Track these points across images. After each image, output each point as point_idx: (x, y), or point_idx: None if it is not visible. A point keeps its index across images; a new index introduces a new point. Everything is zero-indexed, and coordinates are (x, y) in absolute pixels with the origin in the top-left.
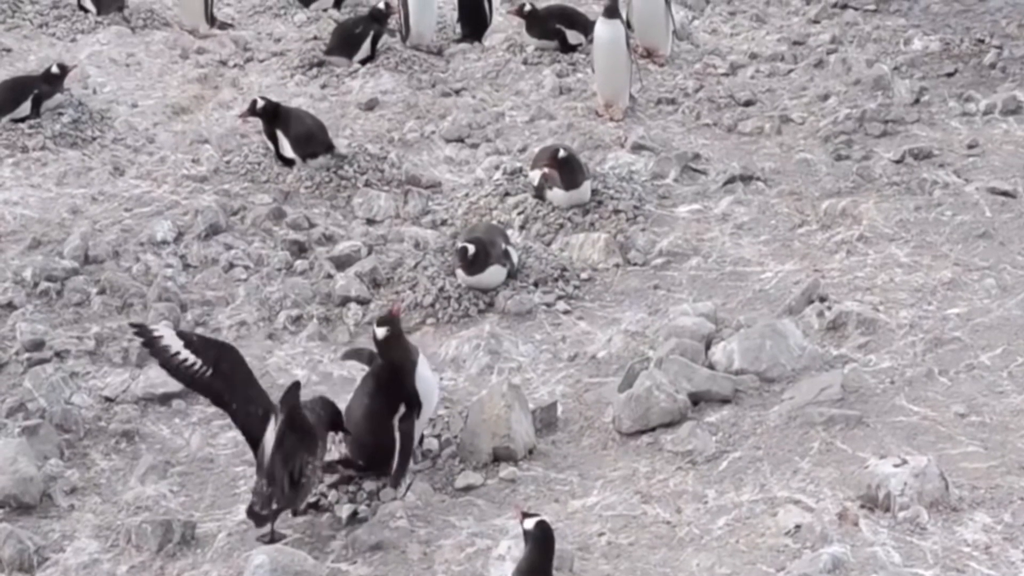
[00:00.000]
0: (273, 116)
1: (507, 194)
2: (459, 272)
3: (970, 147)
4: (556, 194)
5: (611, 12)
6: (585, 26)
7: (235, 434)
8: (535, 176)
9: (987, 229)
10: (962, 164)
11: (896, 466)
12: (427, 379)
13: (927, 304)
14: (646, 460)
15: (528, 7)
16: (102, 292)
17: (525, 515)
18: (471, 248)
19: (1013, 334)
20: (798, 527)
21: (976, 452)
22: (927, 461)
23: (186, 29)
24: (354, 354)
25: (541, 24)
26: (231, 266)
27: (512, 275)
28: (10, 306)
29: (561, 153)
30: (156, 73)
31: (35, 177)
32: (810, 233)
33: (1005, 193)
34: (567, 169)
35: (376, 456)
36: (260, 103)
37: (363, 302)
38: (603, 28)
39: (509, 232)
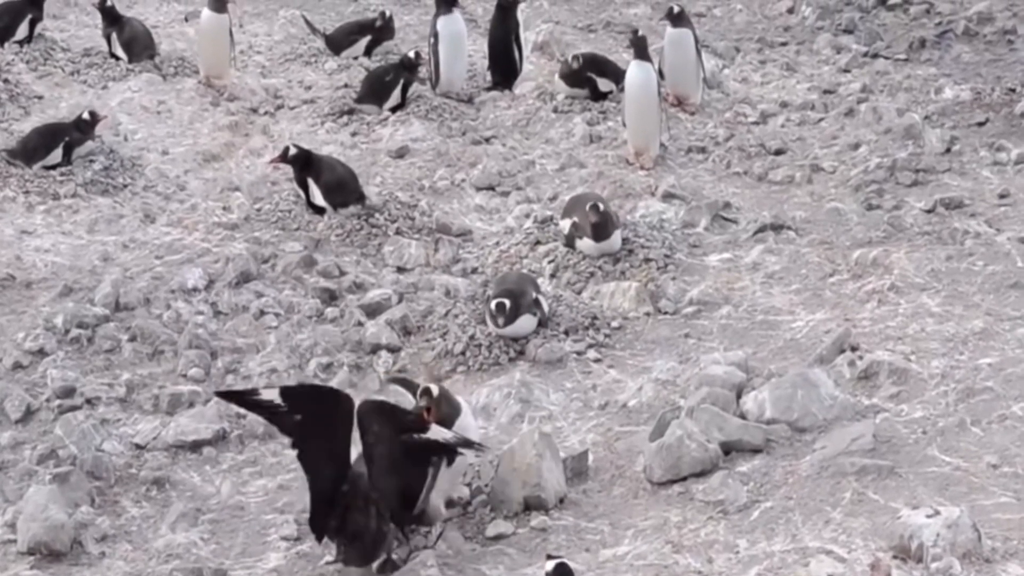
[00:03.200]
0: (305, 164)
1: (538, 242)
2: (490, 323)
3: (1001, 196)
4: (586, 243)
5: (641, 53)
6: (616, 74)
7: (265, 481)
8: (565, 225)
9: (1019, 279)
10: (993, 214)
11: (929, 517)
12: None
13: (959, 354)
14: (677, 509)
15: (576, 64)
16: (133, 339)
17: (548, 556)
18: (507, 303)
19: None
20: None
21: (1009, 503)
22: (960, 512)
23: (212, 77)
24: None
25: (573, 72)
26: (262, 313)
27: (543, 324)
28: (41, 353)
29: (595, 207)
30: (187, 120)
31: (66, 224)
32: (841, 282)
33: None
34: (599, 222)
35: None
36: (292, 150)
37: (393, 350)
38: (635, 71)
39: (540, 280)
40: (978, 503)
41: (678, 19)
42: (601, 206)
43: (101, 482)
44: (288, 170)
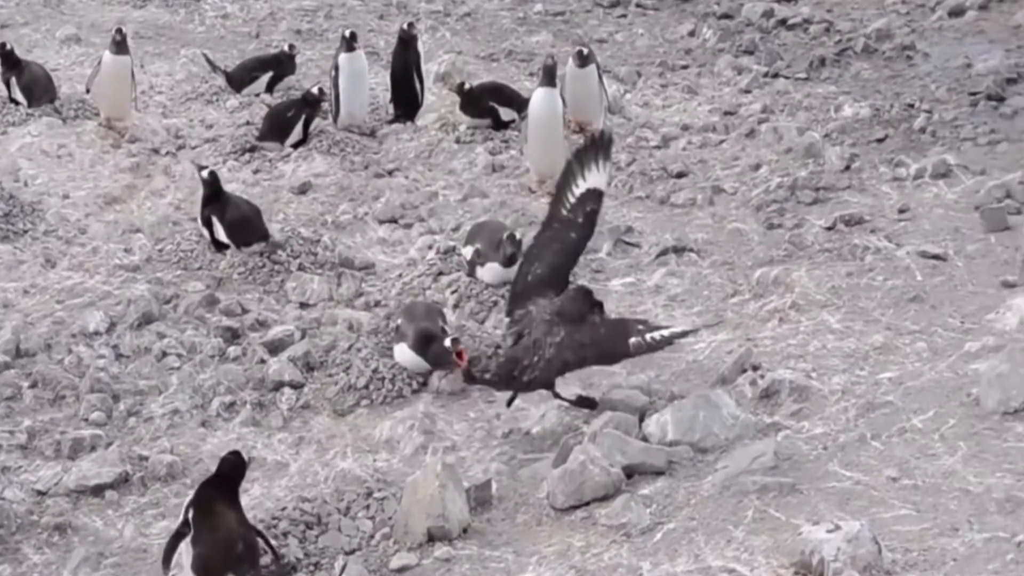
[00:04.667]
0: (213, 194)
1: (440, 273)
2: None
3: (901, 212)
4: (489, 269)
5: (549, 80)
6: (518, 103)
7: (168, 523)
8: (468, 252)
9: (918, 293)
10: (893, 229)
11: (829, 532)
12: None
13: (859, 369)
14: (581, 535)
15: (468, 86)
16: (34, 385)
17: None
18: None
19: (945, 396)
20: None
21: (909, 515)
22: (860, 526)
23: (113, 120)
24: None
25: (475, 102)
26: (164, 355)
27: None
28: None
29: (512, 236)
30: (88, 164)
31: None
32: (743, 303)
33: (936, 256)
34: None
35: None
36: (205, 174)
37: (296, 386)
38: (541, 97)
39: (444, 310)
40: (878, 516)
41: (586, 59)
42: (517, 234)
43: (2, 530)
44: (191, 210)
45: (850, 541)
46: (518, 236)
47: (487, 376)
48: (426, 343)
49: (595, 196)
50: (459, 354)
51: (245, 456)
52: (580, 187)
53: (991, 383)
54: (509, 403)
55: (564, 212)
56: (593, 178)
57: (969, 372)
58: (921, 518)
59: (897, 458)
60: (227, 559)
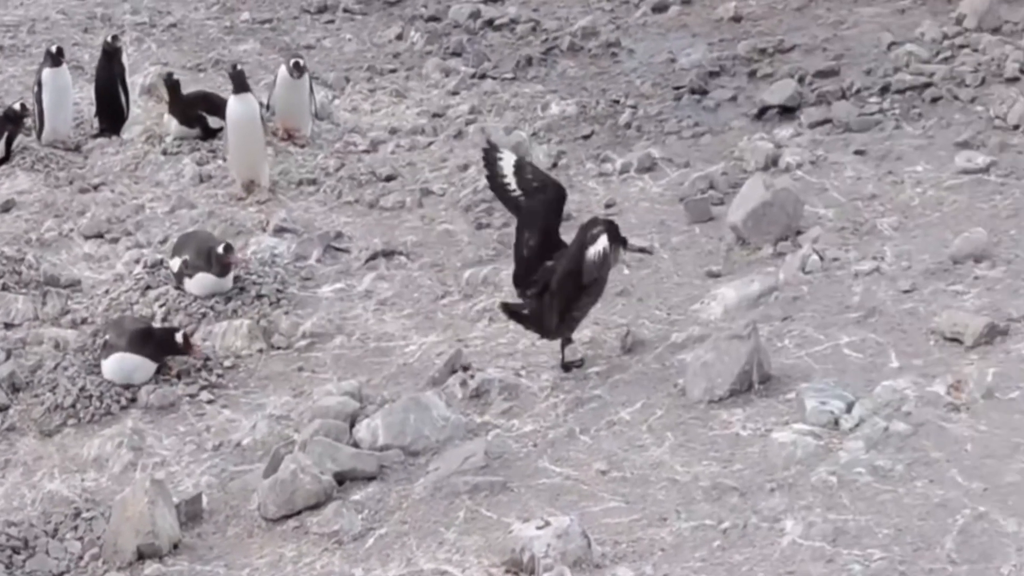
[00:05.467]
0: None
1: (148, 287)
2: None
3: (607, 206)
4: (196, 282)
5: (241, 86)
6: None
7: None
8: (175, 263)
9: (625, 287)
10: None
11: (539, 528)
12: None
13: None
14: (292, 544)
15: (175, 76)
16: None
17: None
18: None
19: (651, 387)
20: None
21: (618, 507)
22: (569, 521)
23: None
24: None
25: (183, 110)
26: None
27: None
28: None
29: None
30: None
31: None
32: (453, 304)
33: (642, 250)
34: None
35: None
36: None
37: (1, 408)
38: (235, 104)
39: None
40: (588, 510)
41: (302, 70)
42: (220, 248)
43: None
44: None
45: (560, 537)
46: (233, 246)
47: (523, 312)
48: (145, 339)
49: (526, 165)
50: (187, 341)
51: None
52: (506, 168)
53: (696, 373)
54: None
55: (515, 193)
56: (507, 155)
57: (675, 363)
58: (630, 509)
59: (606, 451)
60: None
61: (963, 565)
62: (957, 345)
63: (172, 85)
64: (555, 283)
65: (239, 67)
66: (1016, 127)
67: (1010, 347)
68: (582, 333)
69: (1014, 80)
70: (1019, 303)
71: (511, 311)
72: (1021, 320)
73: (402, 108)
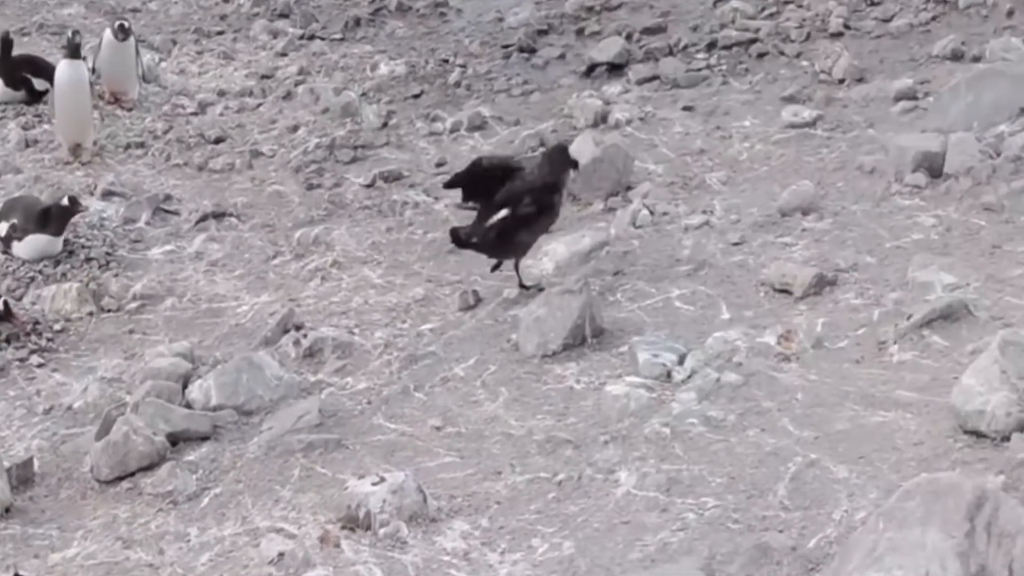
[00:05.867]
0: None
1: None
2: None
3: (438, 165)
4: (26, 244)
5: (74, 52)
6: (51, 74)
7: None
8: (3, 228)
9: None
10: (431, 183)
11: (374, 484)
12: None
13: (401, 323)
14: (126, 506)
15: (10, 35)
16: None
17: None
18: None
19: (485, 343)
20: (281, 555)
21: (453, 462)
22: (404, 476)
23: None
24: None
25: (8, 73)
26: None
27: None
28: None
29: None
30: None
31: None
32: (284, 264)
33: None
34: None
35: None
36: None
37: None
38: (64, 68)
39: None
40: (424, 465)
41: (127, 32)
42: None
43: None
44: None
45: (395, 492)
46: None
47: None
48: None
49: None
50: (8, 309)
51: None
52: None
53: (529, 328)
54: (493, 269)
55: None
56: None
57: (508, 318)
58: (465, 464)
59: (440, 407)
60: None
61: (796, 511)
62: (786, 296)
63: (5, 43)
64: (522, 201)
65: (77, 35)
66: (841, 81)
67: (838, 297)
68: (414, 291)
69: (838, 35)
70: (846, 254)
71: (460, 240)
72: (848, 270)
73: (230, 70)
